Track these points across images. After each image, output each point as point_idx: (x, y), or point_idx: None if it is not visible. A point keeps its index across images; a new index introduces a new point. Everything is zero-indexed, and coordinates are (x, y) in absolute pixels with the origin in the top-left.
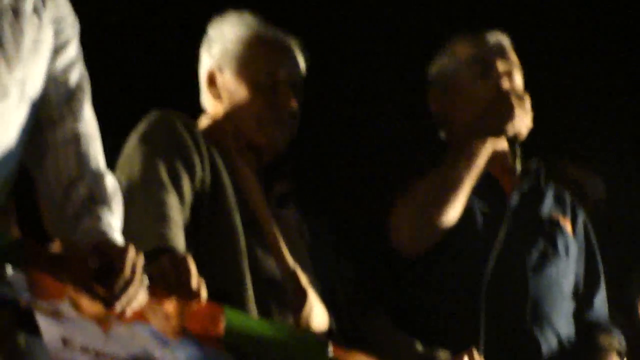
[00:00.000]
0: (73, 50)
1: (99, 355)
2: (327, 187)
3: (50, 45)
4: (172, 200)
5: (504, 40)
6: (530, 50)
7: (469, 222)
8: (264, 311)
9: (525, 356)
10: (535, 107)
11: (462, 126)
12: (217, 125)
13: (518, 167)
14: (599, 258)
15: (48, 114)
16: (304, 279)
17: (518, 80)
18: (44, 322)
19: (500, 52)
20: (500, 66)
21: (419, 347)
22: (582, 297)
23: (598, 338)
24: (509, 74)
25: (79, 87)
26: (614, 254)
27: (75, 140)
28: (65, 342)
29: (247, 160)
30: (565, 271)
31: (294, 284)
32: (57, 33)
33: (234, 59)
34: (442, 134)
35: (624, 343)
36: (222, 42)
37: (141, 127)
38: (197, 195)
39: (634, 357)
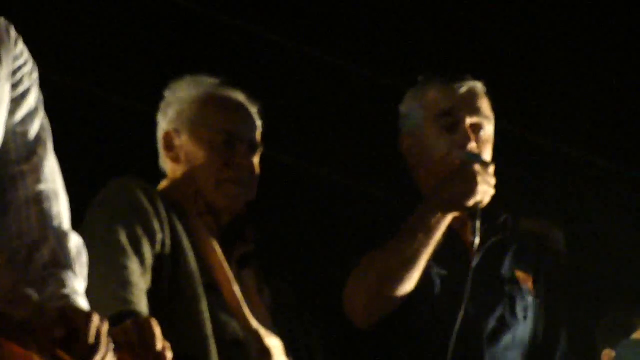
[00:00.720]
0: (32, 99)
1: None
2: (288, 248)
3: (8, 102)
4: (134, 265)
5: (477, 88)
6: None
7: (425, 290)
8: None
9: None
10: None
11: (425, 180)
12: (177, 188)
13: (476, 241)
14: (560, 310)
15: (8, 172)
16: (268, 340)
17: (488, 132)
18: None
19: (470, 105)
20: (469, 120)
21: None
22: (543, 353)
23: None
24: (478, 129)
25: (39, 139)
26: (578, 305)
27: (37, 199)
28: None
29: (207, 222)
30: (523, 336)
31: (258, 344)
32: (14, 86)
33: (190, 120)
34: (414, 176)
35: None
36: (177, 103)
37: (101, 195)
38: (158, 260)
39: None
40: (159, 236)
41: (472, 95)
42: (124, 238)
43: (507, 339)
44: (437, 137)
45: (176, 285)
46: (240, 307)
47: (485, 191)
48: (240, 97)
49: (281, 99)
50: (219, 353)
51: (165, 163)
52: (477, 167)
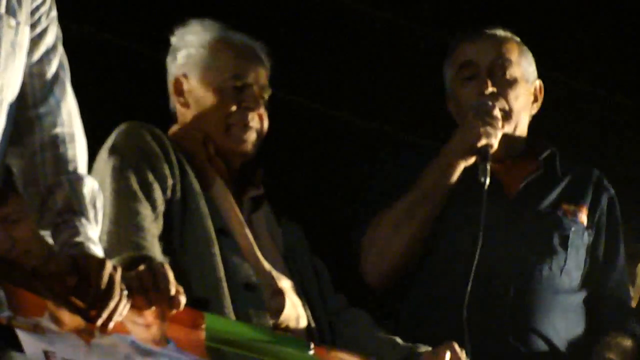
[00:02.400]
0: (50, 37)
1: None
2: (300, 190)
3: (27, 46)
4: (145, 210)
5: (501, 35)
6: None
7: (447, 228)
8: (242, 316)
9: None
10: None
11: None
12: (187, 133)
13: (486, 183)
14: (618, 238)
15: (25, 115)
16: (280, 282)
17: (513, 74)
18: (24, 337)
19: (489, 51)
20: (487, 65)
21: (400, 342)
22: (592, 281)
23: (606, 341)
24: (500, 71)
25: (57, 78)
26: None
27: (53, 143)
28: (47, 354)
29: (218, 166)
30: (563, 265)
31: (271, 287)
32: (32, 26)
33: (199, 65)
34: None
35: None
36: (186, 49)
37: (110, 140)
38: (169, 205)
39: None
40: (170, 181)
41: (492, 42)
42: (134, 183)
43: (541, 270)
44: (461, 89)
45: (187, 229)
46: (253, 250)
47: (488, 133)
48: (248, 41)
49: (297, 39)
50: (232, 296)
51: (175, 108)
52: (479, 111)
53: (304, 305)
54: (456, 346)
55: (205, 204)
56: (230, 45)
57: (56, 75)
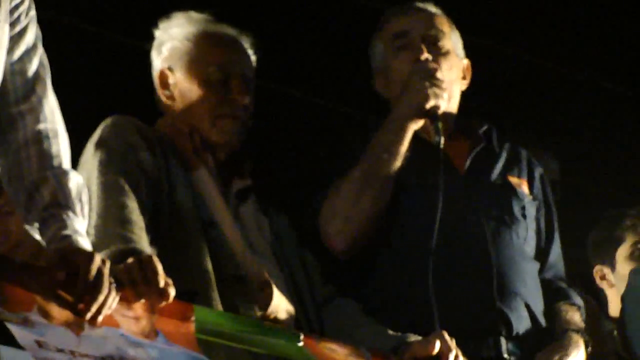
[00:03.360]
0: (30, 36)
1: (75, 354)
2: (287, 182)
3: (7, 43)
4: (132, 203)
5: (430, 9)
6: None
7: (406, 199)
8: (230, 308)
9: (496, 331)
10: (490, 94)
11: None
12: (173, 125)
13: (441, 142)
14: (554, 213)
15: (7, 112)
16: (267, 273)
17: (446, 46)
18: (15, 329)
19: (420, 22)
20: (420, 35)
21: (389, 332)
22: (540, 253)
23: (560, 311)
24: (433, 41)
25: (37, 77)
26: (571, 232)
27: (37, 139)
28: (39, 344)
29: (204, 158)
30: (525, 235)
31: (259, 278)
32: (12, 24)
33: (184, 57)
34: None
35: (582, 307)
36: (170, 41)
37: (96, 134)
38: (156, 197)
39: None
40: (156, 174)
41: (425, 14)
42: (121, 177)
43: (508, 237)
44: (394, 60)
45: (174, 222)
46: (240, 242)
47: (436, 94)
48: (233, 32)
49: (276, 29)
50: (220, 287)
51: (161, 101)
52: (422, 74)
53: (292, 296)
54: (446, 335)
55: (191, 196)
56: (214, 38)
57: (37, 74)
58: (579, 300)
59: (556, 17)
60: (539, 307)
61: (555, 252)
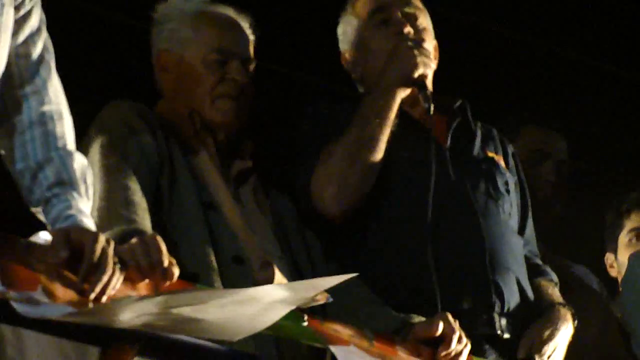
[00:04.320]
0: (35, 20)
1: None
2: (288, 162)
3: (12, 27)
4: (135, 185)
5: None
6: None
7: (396, 173)
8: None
9: (490, 306)
10: (493, 71)
11: (373, 79)
12: (172, 107)
13: (431, 109)
14: (527, 190)
15: (12, 94)
16: (268, 255)
17: (423, 23)
18: (20, 307)
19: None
20: (399, 11)
21: (393, 313)
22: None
23: (542, 287)
24: (412, 18)
25: (41, 60)
26: (581, 212)
27: (41, 120)
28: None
29: (204, 141)
30: (510, 209)
31: (260, 259)
32: (16, 8)
33: (182, 39)
34: (361, 90)
35: (557, 284)
36: (168, 23)
37: (98, 118)
38: (157, 180)
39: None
40: (157, 157)
41: None
42: (123, 160)
43: (496, 212)
44: (373, 34)
45: (175, 204)
46: (240, 224)
47: (425, 62)
48: (231, 12)
49: (277, 9)
50: (220, 269)
51: (161, 83)
52: (410, 43)
53: (293, 276)
54: (450, 316)
55: (192, 178)
56: (212, 19)
57: (41, 57)
58: (554, 277)
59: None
60: (527, 282)
61: (530, 229)
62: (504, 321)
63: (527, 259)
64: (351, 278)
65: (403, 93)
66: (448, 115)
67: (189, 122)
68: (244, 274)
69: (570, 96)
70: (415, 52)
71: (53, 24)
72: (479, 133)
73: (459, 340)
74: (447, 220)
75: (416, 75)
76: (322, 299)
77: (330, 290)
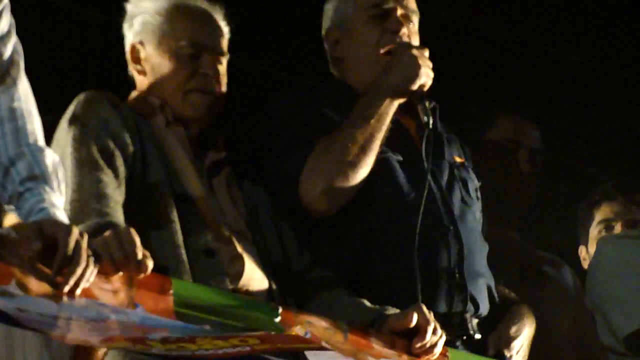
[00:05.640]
0: (4, 22)
1: (57, 318)
2: (262, 153)
3: None
4: (107, 178)
5: None
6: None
7: (388, 174)
8: (202, 282)
9: (464, 309)
10: (468, 61)
11: (354, 71)
12: (144, 100)
13: (430, 120)
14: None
15: None
16: (240, 247)
17: (416, 26)
18: None
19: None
20: (399, 11)
21: (368, 304)
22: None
23: (499, 289)
24: (407, 20)
25: (12, 62)
26: (556, 201)
27: (12, 117)
28: (21, 310)
29: (176, 132)
30: (480, 216)
31: (230, 252)
32: None
33: (155, 32)
34: (335, 73)
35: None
36: (141, 15)
37: (70, 110)
38: (130, 172)
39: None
40: (130, 149)
41: None
42: (96, 152)
43: (470, 218)
44: (366, 25)
45: (147, 197)
46: (212, 216)
47: (427, 73)
48: (205, 5)
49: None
50: (191, 262)
51: (133, 75)
52: (415, 51)
53: (265, 268)
54: (424, 308)
55: (164, 170)
56: (186, 11)
57: (11, 58)
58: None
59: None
60: (493, 286)
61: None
62: (475, 322)
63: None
64: (323, 270)
65: (401, 100)
66: (418, 119)
67: (160, 114)
68: (214, 266)
69: (543, 86)
70: (420, 61)
71: (23, 20)
72: (444, 136)
73: (434, 332)
74: (429, 225)
75: (416, 86)
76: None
77: (304, 283)
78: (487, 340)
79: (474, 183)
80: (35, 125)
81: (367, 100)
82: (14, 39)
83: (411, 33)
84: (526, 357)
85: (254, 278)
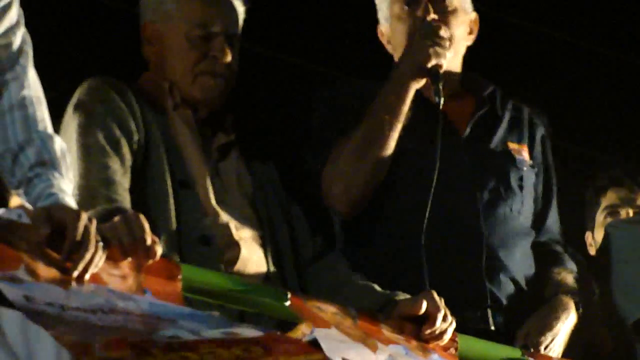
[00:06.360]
0: (14, 13)
1: (64, 307)
2: (272, 134)
3: None
4: (115, 164)
5: None
6: None
7: (403, 165)
8: None
9: (484, 305)
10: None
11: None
12: (154, 82)
13: (441, 103)
14: (553, 176)
15: None
16: (238, 233)
17: (453, 3)
18: (3, 286)
19: None
20: None
21: (378, 289)
22: (536, 217)
23: (552, 275)
24: (431, 0)
25: (21, 51)
26: (563, 188)
27: (22, 104)
28: (28, 299)
29: (185, 116)
30: (521, 207)
31: (226, 238)
32: None
33: (167, 12)
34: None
35: (576, 270)
36: None
37: (75, 98)
38: (136, 159)
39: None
40: (136, 136)
41: None
42: (102, 139)
43: (502, 210)
44: (400, 15)
45: (148, 183)
46: (212, 202)
47: (437, 52)
48: None
49: None
50: (186, 249)
51: (146, 55)
52: (424, 32)
53: (268, 253)
54: (435, 295)
55: (167, 156)
56: None
57: (21, 48)
58: (571, 264)
59: None
60: (527, 279)
61: (553, 216)
62: (498, 317)
63: (543, 247)
64: (335, 254)
65: (417, 85)
66: (476, 101)
67: (169, 97)
68: (209, 254)
69: (549, 71)
70: (429, 42)
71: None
72: (505, 121)
73: (444, 319)
74: (447, 218)
75: (429, 65)
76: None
77: (314, 267)
78: (516, 334)
79: (519, 172)
80: (44, 112)
81: (381, 92)
82: (23, 29)
83: (446, 12)
84: (560, 352)
85: (250, 265)
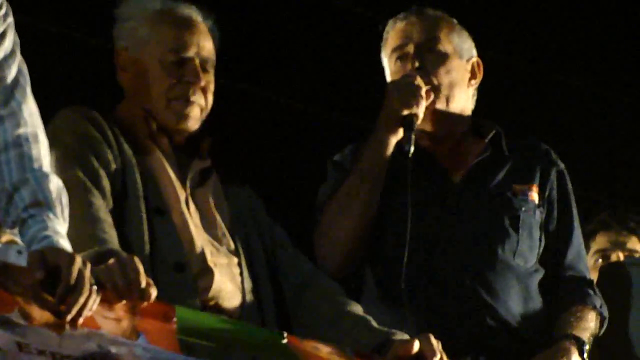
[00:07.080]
0: (8, 42)
1: (56, 355)
2: (250, 158)
3: None
4: (97, 200)
5: (430, 13)
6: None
7: (392, 218)
8: (170, 297)
9: (474, 349)
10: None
11: None
12: (129, 109)
13: (411, 149)
14: (572, 211)
15: None
16: (213, 259)
17: (441, 49)
18: None
19: (412, 32)
20: (412, 47)
21: (375, 326)
22: (553, 254)
23: (564, 316)
24: (426, 48)
25: (17, 83)
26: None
27: (17, 143)
28: (20, 346)
29: (160, 143)
30: (515, 248)
31: (200, 265)
32: None
33: (140, 38)
34: None
35: (598, 307)
36: (128, 21)
37: (49, 131)
38: (113, 186)
39: None
40: (113, 166)
41: (418, 22)
42: (80, 173)
43: (492, 253)
44: (395, 71)
45: (124, 212)
46: (187, 229)
47: (409, 102)
48: (192, 13)
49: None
50: (160, 276)
51: (120, 82)
52: (398, 85)
53: (244, 280)
54: (432, 337)
55: (142, 184)
56: (171, 18)
57: (16, 80)
58: (595, 300)
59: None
60: (526, 320)
61: (573, 252)
62: None
63: (565, 284)
64: (327, 280)
65: (394, 136)
66: (476, 146)
67: (144, 125)
68: (183, 280)
69: (541, 110)
70: (402, 93)
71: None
72: (511, 162)
73: None
74: (435, 263)
75: (401, 115)
76: None
77: (306, 294)
78: None
79: (516, 213)
80: (40, 149)
81: (362, 148)
82: (18, 59)
83: (432, 60)
84: None
85: (224, 292)
